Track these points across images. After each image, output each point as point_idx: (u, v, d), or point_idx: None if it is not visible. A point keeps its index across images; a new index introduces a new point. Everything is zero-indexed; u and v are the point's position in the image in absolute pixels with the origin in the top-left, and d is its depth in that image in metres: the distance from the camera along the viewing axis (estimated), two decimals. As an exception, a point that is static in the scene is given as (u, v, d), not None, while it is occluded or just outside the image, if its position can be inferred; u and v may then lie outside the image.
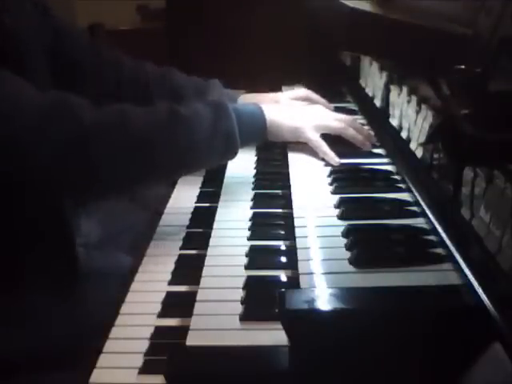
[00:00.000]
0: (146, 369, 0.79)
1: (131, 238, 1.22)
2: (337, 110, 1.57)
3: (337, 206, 1.00)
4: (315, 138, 1.18)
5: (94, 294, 1.08)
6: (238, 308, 0.83)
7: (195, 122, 1.01)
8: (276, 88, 1.78)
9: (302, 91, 1.43)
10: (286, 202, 1.10)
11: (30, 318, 0.99)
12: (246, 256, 0.96)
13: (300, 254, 0.87)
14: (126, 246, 1.19)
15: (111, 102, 1.00)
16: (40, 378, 0.97)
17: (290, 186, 1.10)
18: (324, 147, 1.17)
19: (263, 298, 0.86)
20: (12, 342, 0.97)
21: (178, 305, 0.90)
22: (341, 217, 0.96)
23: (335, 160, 1.16)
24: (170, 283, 0.98)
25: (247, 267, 0.93)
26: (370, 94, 1.42)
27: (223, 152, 1.07)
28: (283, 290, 0.76)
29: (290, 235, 0.97)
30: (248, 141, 1.12)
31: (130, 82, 1.30)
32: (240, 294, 0.86)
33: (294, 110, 1.23)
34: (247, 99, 1.35)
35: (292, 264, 0.90)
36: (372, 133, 1.27)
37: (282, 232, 1.03)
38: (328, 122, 1.21)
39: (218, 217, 1.09)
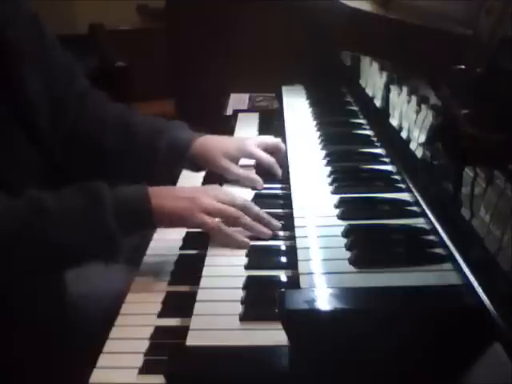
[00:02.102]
0: (146, 369, 0.79)
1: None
2: (336, 109, 1.57)
3: (337, 206, 1.00)
4: (206, 221, 0.98)
5: (94, 295, 1.09)
6: (238, 308, 0.83)
7: (63, 217, 0.89)
8: (276, 88, 1.79)
9: (270, 138, 1.33)
10: (286, 202, 1.10)
11: (29, 319, 1.00)
12: (246, 256, 0.96)
13: (300, 254, 0.87)
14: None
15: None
16: (41, 379, 0.97)
17: (290, 186, 1.11)
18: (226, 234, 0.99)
19: (263, 298, 0.86)
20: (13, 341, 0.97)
21: (178, 305, 0.90)
22: (341, 217, 0.96)
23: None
24: (170, 283, 0.98)
25: (247, 267, 0.93)
26: (370, 94, 1.42)
27: (101, 252, 0.92)
28: (283, 289, 0.76)
29: (290, 235, 0.97)
30: (129, 233, 0.95)
31: (89, 123, 1.24)
32: (240, 294, 0.86)
33: (184, 194, 1.01)
34: (208, 141, 1.25)
35: (292, 264, 0.90)
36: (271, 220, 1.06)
37: (282, 232, 1.03)
38: (221, 208, 1.00)
39: (218, 217, 1.09)
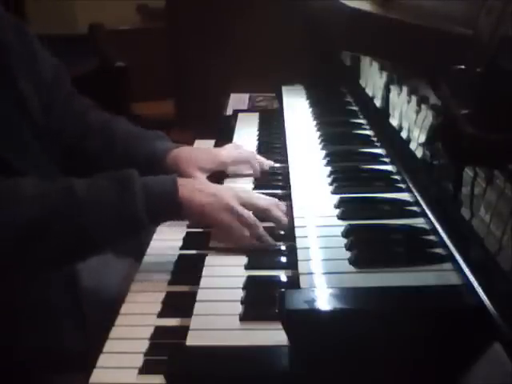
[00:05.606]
0: (146, 369, 0.79)
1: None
2: (336, 109, 1.57)
3: (337, 206, 1.00)
4: (228, 220, 1.00)
5: (95, 295, 1.09)
6: (238, 308, 0.83)
7: (93, 205, 0.91)
8: (276, 88, 1.79)
9: (246, 152, 1.32)
10: (286, 201, 1.10)
11: (29, 318, 1.00)
12: (246, 256, 0.96)
13: (300, 254, 0.87)
14: (127, 252, 1.18)
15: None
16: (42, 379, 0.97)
17: (290, 186, 1.11)
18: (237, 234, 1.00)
19: (263, 298, 0.86)
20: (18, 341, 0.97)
21: (178, 305, 0.90)
22: (341, 217, 0.96)
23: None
24: (170, 283, 0.98)
25: (247, 267, 0.93)
26: (370, 94, 1.42)
27: (127, 234, 0.95)
28: (283, 289, 0.76)
29: (290, 235, 0.97)
30: (157, 222, 1.03)
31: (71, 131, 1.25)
32: (240, 294, 0.86)
33: (210, 189, 1.02)
34: (181, 153, 1.22)
35: (292, 264, 0.90)
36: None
37: (282, 232, 1.02)
38: (252, 201, 1.03)
39: (218, 217, 1.09)
